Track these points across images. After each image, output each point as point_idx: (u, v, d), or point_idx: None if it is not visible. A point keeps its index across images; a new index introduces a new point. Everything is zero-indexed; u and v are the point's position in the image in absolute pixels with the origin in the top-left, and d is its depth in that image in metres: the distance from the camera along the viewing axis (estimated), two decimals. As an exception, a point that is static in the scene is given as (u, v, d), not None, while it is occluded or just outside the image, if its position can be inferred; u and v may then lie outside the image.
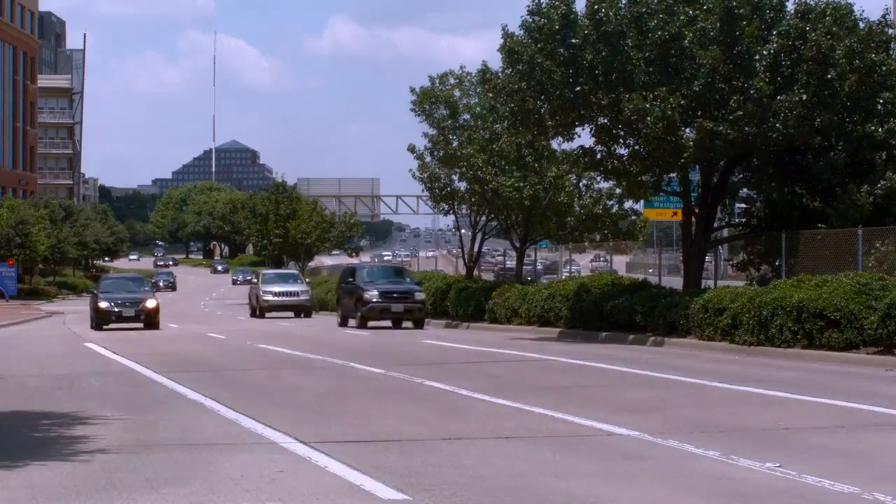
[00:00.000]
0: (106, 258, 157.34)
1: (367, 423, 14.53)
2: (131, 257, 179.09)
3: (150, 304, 42.86)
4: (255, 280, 60.60)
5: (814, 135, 30.20)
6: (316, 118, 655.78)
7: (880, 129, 30.11)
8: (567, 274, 52.38)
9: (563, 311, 34.92)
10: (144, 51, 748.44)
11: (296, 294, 57.46)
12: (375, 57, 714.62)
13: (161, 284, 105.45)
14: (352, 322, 43.44)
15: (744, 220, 35.69)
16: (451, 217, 56.47)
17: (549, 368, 22.85)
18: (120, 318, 42.60)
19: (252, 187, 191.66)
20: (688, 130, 30.32)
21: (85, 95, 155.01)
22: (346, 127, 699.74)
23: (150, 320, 42.63)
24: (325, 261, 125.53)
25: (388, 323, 42.88)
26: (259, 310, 57.37)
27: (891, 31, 31.01)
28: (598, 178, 42.60)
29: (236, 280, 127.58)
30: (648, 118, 29.23)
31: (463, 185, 49.49)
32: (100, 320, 42.84)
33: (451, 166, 48.06)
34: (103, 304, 42.77)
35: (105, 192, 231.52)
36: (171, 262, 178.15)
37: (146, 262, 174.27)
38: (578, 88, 30.41)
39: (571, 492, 9.95)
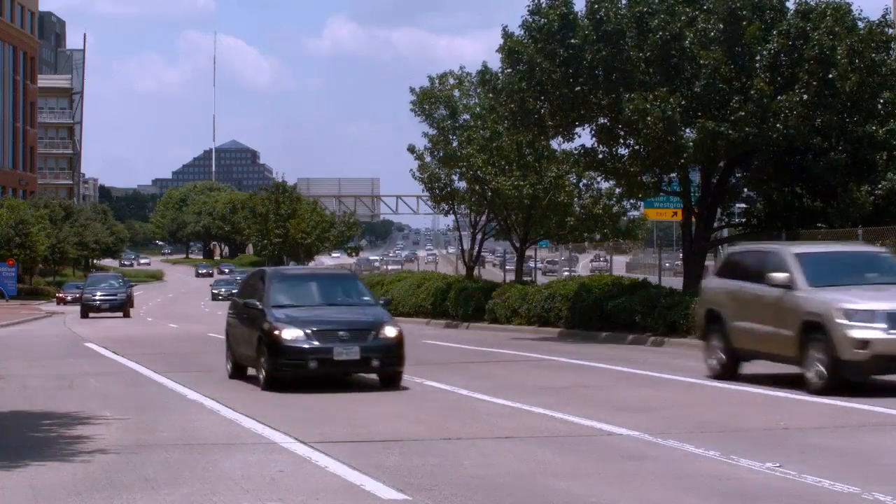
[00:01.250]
0: (134, 261, 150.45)
1: (366, 423, 14.53)
2: (126, 260, 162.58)
3: (390, 331, 19.38)
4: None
5: (814, 135, 30.18)
6: (316, 118, 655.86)
7: (881, 130, 30.10)
8: (567, 273, 52.37)
9: (563, 311, 34.89)
10: (144, 51, 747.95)
11: None
12: (375, 57, 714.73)
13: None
14: None
15: (744, 220, 35.66)
16: (451, 217, 56.45)
17: (549, 368, 22.84)
18: (327, 362, 19.00)
19: (252, 187, 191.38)
20: (688, 131, 30.30)
21: (85, 95, 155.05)
22: (346, 127, 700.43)
23: (391, 369, 19.45)
24: (325, 261, 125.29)
25: None
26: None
27: (891, 30, 30.98)
28: (598, 178, 42.61)
29: (218, 294, 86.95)
30: (649, 118, 29.21)
31: (463, 185, 49.47)
32: (280, 367, 19.12)
33: (451, 166, 48.02)
34: (289, 335, 19.01)
35: (105, 192, 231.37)
36: (227, 270, 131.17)
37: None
38: (578, 88, 30.40)
39: (571, 491, 9.95)
